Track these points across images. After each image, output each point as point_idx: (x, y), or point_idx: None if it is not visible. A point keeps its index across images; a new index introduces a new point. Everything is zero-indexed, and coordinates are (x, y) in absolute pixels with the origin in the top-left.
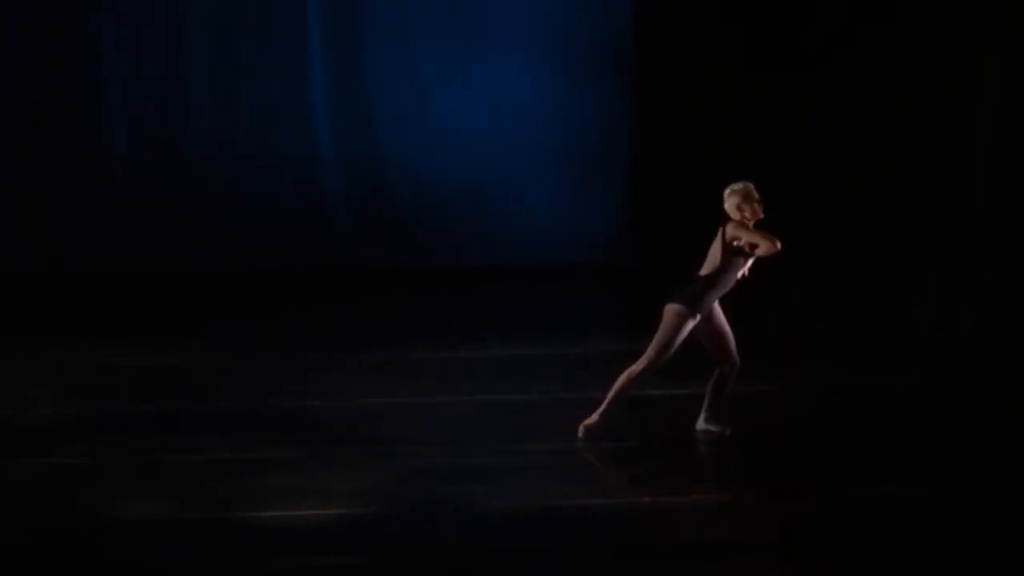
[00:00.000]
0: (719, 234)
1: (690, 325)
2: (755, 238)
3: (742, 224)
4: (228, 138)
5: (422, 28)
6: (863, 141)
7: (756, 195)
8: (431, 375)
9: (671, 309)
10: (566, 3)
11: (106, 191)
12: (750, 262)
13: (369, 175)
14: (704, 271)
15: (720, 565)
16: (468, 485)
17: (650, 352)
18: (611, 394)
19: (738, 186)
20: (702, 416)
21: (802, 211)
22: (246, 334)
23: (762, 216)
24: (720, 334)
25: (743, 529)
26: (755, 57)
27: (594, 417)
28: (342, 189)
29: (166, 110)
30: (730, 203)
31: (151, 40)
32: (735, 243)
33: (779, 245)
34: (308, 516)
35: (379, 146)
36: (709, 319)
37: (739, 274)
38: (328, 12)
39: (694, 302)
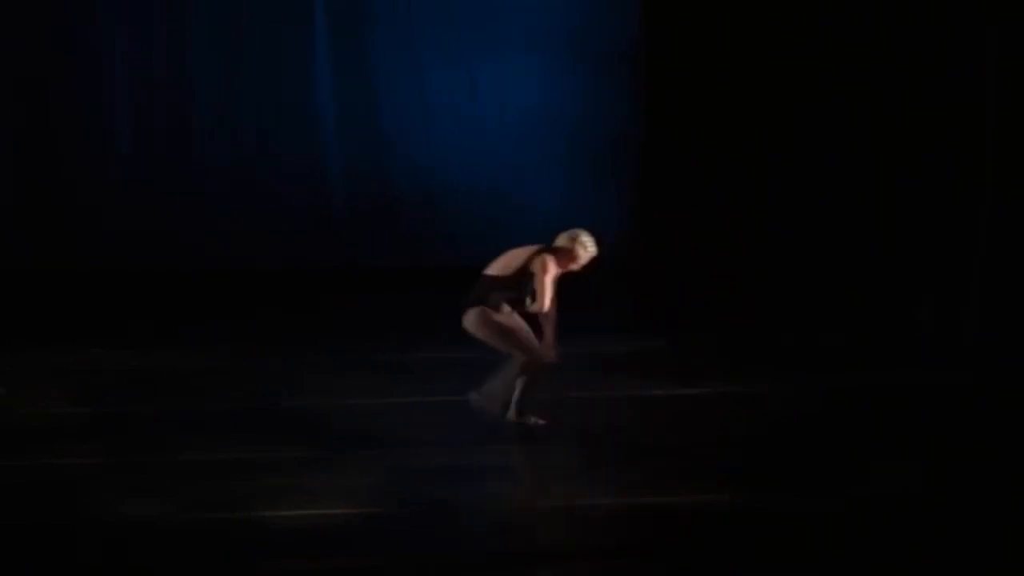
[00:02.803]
0: (532, 253)
1: (493, 312)
2: (541, 289)
3: (550, 268)
4: (232, 137)
5: (428, 28)
6: (864, 141)
7: (584, 256)
8: (431, 375)
9: (468, 316)
10: (574, 3)
11: (108, 191)
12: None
13: (373, 175)
14: (492, 271)
15: (720, 565)
16: (468, 485)
17: (515, 354)
18: (515, 394)
19: (584, 239)
20: (512, 409)
21: (803, 211)
22: (246, 334)
23: (574, 271)
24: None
25: (743, 529)
26: (760, 59)
27: (503, 411)
28: (346, 189)
29: (169, 110)
30: (564, 242)
31: (154, 39)
32: (533, 273)
33: (544, 310)
34: (308, 516)
35: (384, 146)
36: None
37: (524, 297)
38: (333, 11)
39: (478, 302)
